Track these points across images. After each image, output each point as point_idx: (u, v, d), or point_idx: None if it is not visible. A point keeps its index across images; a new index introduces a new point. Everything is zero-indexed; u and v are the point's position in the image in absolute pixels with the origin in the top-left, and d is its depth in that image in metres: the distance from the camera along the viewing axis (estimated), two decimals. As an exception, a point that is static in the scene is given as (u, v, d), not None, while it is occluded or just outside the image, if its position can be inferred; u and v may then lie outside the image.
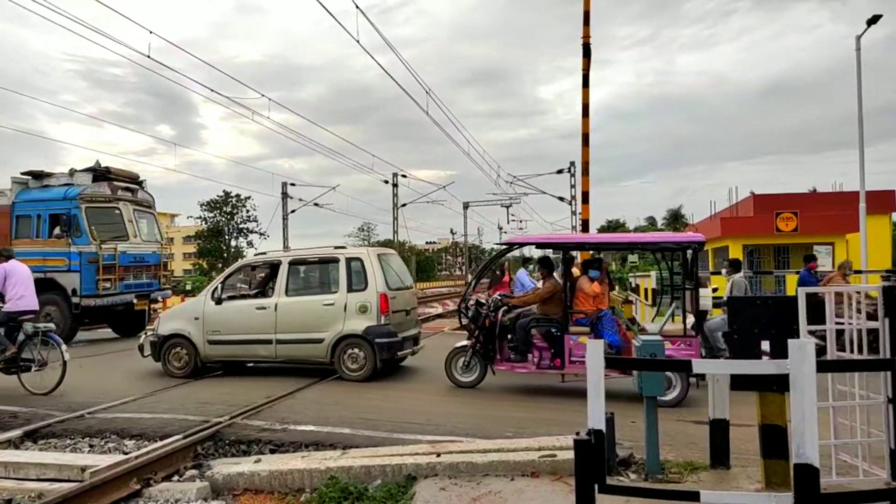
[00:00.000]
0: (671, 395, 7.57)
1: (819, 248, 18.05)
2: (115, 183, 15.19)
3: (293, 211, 37.80)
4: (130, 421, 7.10)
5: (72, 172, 14.86)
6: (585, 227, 17.61)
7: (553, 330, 8.32)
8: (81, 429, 6.93)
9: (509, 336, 8.62)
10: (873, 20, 16.79)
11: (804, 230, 20.71)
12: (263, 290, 11.00)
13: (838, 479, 4.34)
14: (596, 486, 3.17)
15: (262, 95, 19.37)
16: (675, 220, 62.26)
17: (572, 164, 36.51)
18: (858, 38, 17.41)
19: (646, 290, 15.23)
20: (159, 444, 6.12)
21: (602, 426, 3.23)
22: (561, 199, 39.35)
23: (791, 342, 3.08)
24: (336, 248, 10.18)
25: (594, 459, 3.17)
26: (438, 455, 5.35)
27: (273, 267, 10.36)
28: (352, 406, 7.68)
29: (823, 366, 3.67)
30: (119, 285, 14.60)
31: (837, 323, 4.69)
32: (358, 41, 13.92)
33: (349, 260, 9.68)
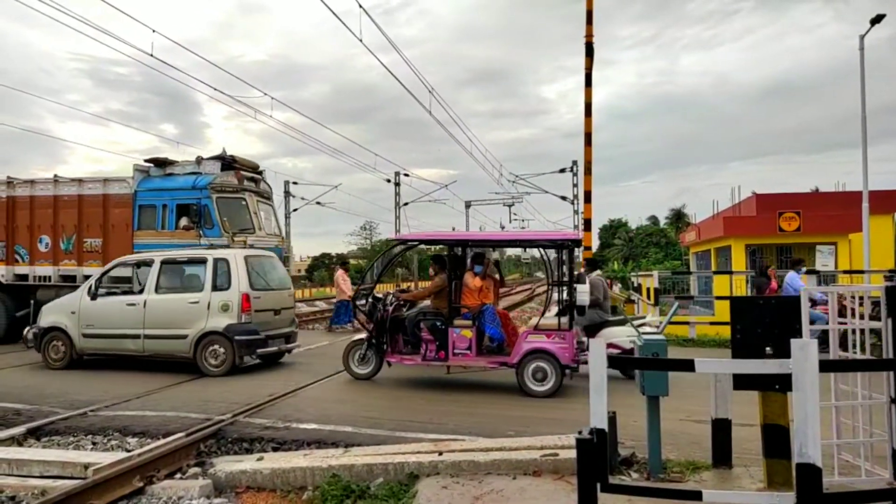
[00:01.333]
0: (546, 387, 8.19)
1: (822, 247, 17.97)
2: (242, 172, 14.28)
3: (295, 210, 37.85)
4: (133, 418, 7.12)
5: (199, 160, 14.00)
6: (588, 226, 17.62)
7: (438, 323, 8.72)
8: (84, 426, 6.95)
9: (404, 330, 9.11)
10: (877, 20, 16.73)
11: (807, 230, 20.67)
12: (135, 287, 11.21)
13: (840, 479, 4.34)
14: (598, 486, 3.18)
15: (265, 94, 19.39)
16: (678, 219, 62.14)
17: (574, 163, 36.49)
18: (862, 37, 17.35)
19: (648, 289, 15.23)
20: (162, 441, 6.13)
21: (604, 425, 3.24)
22: (563, 198, 39.30)
23: (793, 342, 3.08)
24: (210, 247, 11.24)
25: (596, 458, 3.18)
26: (441, 454, 5.36)
27: (147, 265, 10.81)
28: (354, 404, 7.69)
29: (826, 365, 3.66)
30: None
31: (840, 323, 4.69)
32: (361, 40, 13.95)
33: (216, 261, 10.27)
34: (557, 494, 4.59)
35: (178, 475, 5.57)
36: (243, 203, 14.10)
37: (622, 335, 9.30)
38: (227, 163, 14.08)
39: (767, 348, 4.44)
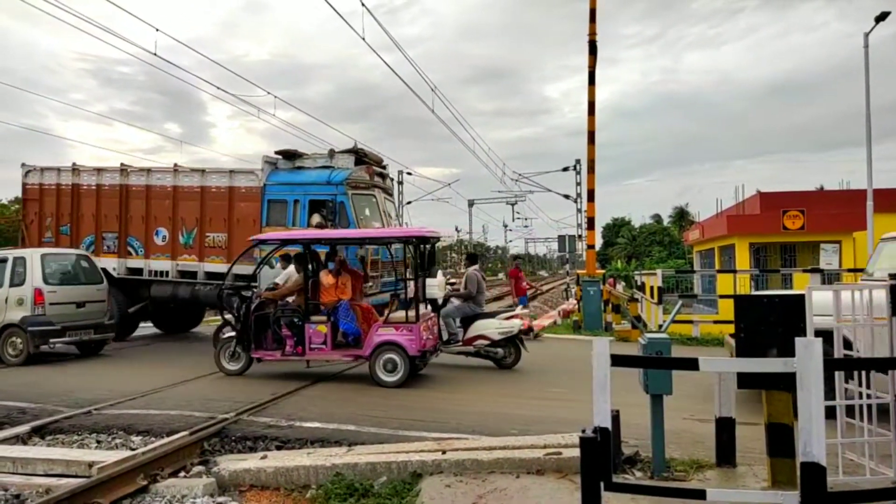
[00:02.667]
0: (396, 377, 8.72)
1: (826, 246, 17.95)
2: (372, 167, 13.55)
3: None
4: (137, 417, 7.14)
5: (332, 153, 13.13)
6: (591, 224, 17.60)
7: (295, 319, 9.24)
8: (89, 425, 6.96)
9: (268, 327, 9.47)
10: (882, 17, 16.68)
11: (811, 228, 20.62)
12: None
13: (845, 479, 4.33)
14: (601, 484, 3.17)
15: (269, 93, 19.37)
16: (681, 217, 62.06)
17: (578, 161, 36.40)
18: (867, 35, 17.31)
19: (651, 288, 15.20)
20: (166, 440, 6.15)
21: (608, 424, 3.23)
22: (566, 196, 39.21)
23: (798, 340, 3.08)
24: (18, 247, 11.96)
25: (600, 457, 3.17)
26: (444, 452, 5.36)
27: None
28: (358, 403, 7.69)
29: (831, 364, 3.65)
30: (378, 284, 12.86)
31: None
32: (363, 38, 13.94)
33: (15, 259, 11.32)
34: (561, 493, 4.58)
35: (182, 474, 5.59)
36: (374, 200, 13.37)
37: (491, 327, 10.14)
38: (359, 157, 13.28)
39: (773, 350, 4.44)
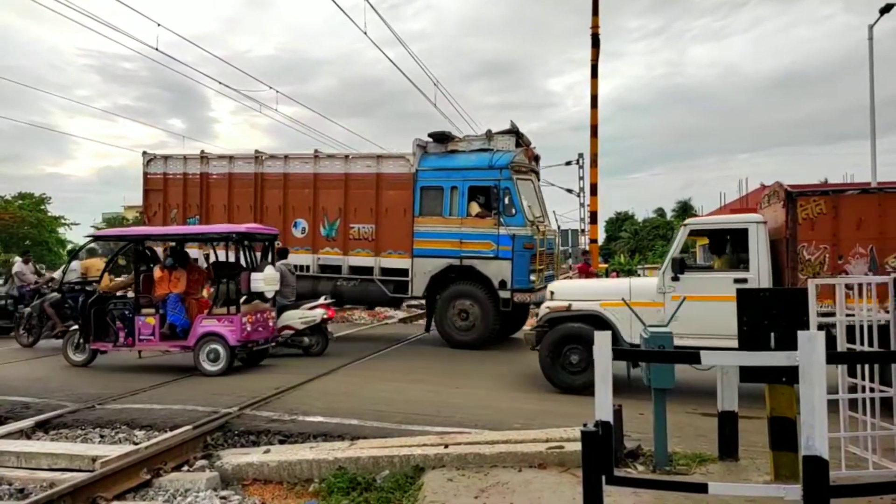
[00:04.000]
0: (219, 366, 9.24)
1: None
2: (531, 149, 12.48)
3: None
4: (141, 412, 7.16)
5: (490, 135, 12.00)
6: (594, 218, 17.59)
7: (126, 312, 9.71)
8: (92, 419, 6.99)
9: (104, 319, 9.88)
10: (886, 9, 16.60)
11: (815, 222, 20.51)
12: None
13: (848, 472, 4.33)
14: (603, 478, 3.17)
15: (271, 88, 19.35)
16: (685, 211, 61.81)
17: (580, 155, 36.27)
18: (871, 27, 17.23)
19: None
20: (169, 434, 6.16)
21: (609, 418, 3.22)
22: (569, 190, 39.09)
23: (801, 334, 3.06)
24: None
25: (601, 451, 3.16)
26: (446, 446, 5.36)
27: None
28: (360, 397, 7.70)
29: (833, 358, 3.64)
30: (542, 278, 11.94)
31: (848, 315, 4.66)
32: (365, 33, 13.93)
33: None
34: (563, 487, 4.59)
35: (186, 468, 5.60)
36: (532, 185, 12.23)
37: (295, 317, 10.72)
38: (517, 138, 12.14)
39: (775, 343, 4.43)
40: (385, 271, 11.71)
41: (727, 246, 8.16)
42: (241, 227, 10.04)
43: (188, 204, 13.38)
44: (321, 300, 11.18)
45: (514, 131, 12.01)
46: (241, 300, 9.45)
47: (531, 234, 11.33)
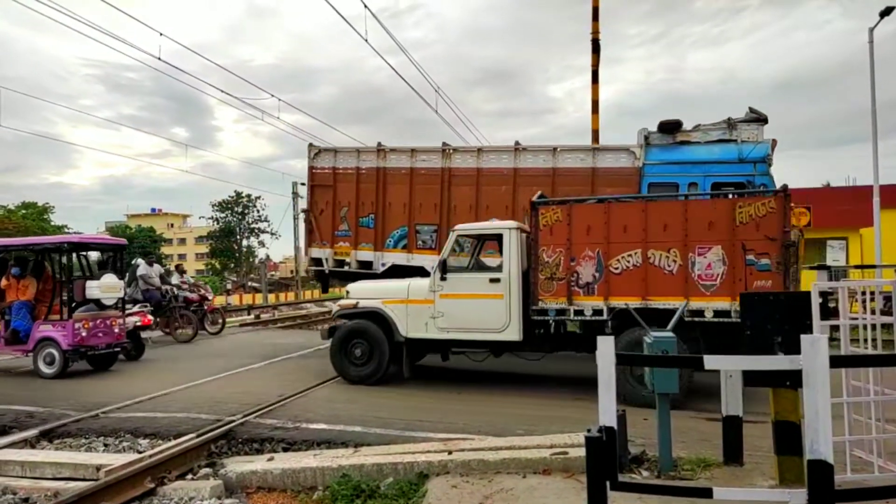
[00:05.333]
0: (54, 369, 9.88)
1: (833, 242, 17.87)
2: (774, 140, 10.91)
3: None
4: (144, 420, 7.16)
5: (731, 123, 10.48)
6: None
7: None
8: (96, 428, 6.99)
9: None
10: (886, 12, 16.60)
11: (817, 225, 20.40)
12: None
13: (853, 476, 4.31)
14: (608, 484, 3.16)
15: (273, 96, 19.43)
16: (687, 216, 61.78)
17: (582, 160, 36.26)
18: (871, 30, 17.23)
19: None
20: (173, 442, 6.16)
21: (613, 423, 3.22)
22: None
23: (804, 337, 3.06)
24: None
25: (605, 456, 3.16)
26: (450, 453, 5.36)
27: None
28: (364, 404, 7.69)
29: (837, 361, 3.64)
30: None
31: (851, 318, 4.66)
32: (366, 40, 13.98)
33: None
34: (567, 493, 4.58)
35: (190, 476, 5.60)
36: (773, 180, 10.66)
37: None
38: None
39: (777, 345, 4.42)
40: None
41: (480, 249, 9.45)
42: (75, 238, 11.14)
43: (361, 202, 11.89)
44: (136, 308, 12.12)
45: (761, 119, 10.54)
46: (74, 306, 10.13)
47: (794, 242, 9.82)
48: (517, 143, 11.26)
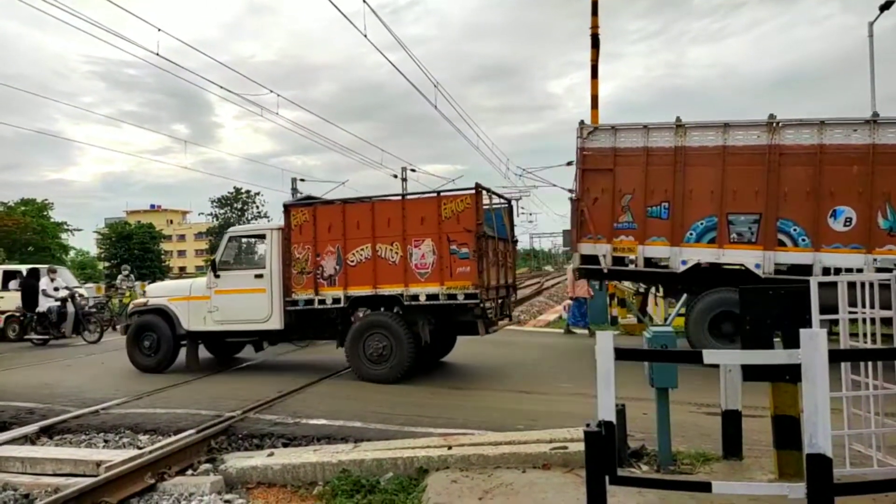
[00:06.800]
0: None
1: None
2: None
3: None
4: (144, 416, 7.17)
5: None
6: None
7: None
8: (96, 424, 7.00)
9: None
10: (886, 6, 16.58)
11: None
12: None
13: (852, 470, 4.31)
14: (607, 478, 3.16)
15: (272, 91, 19.33)
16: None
17: (583, 155, 36.19)
18: (871, 24, 17.21)
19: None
20: (173, 438, 6.17)
21: (612, 418, 3.22)
22: (571, 191, 39.08)
23: (803, 332, 3.06)
24: None
25: (605, 451, 3.16)
26: (450, 448, 5.36)
27: None
28: (364, 400, 7.70)
29: (836, 355, 3.64)
30: None
31: (850, 312, 4.65)
32: (365, 35, 13.90)
33: None
34: (567, 488, 4.58)
35: (190, 472, 5.61)
36: None
37: None
38: None
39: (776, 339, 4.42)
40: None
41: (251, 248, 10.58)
42: None
43: (650, 189, 10.10)
44: None
45: None
46: None
47: None
48: (875, 113, 9.61)
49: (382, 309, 9.07)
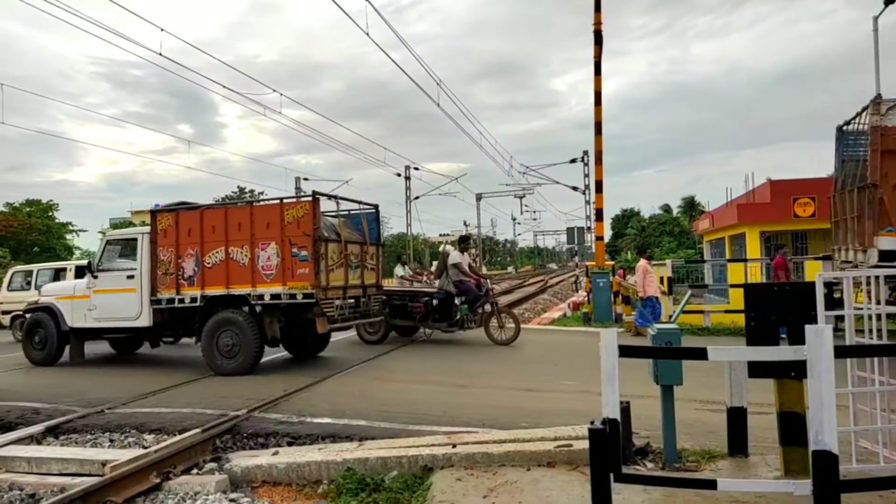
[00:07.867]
0: None
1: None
2: None
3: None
4: (149, 415, 7.18)
5: None
6: (599, 215, 17.54)
7: None
8: (102, 424, 7.02)
9: None
10: (891, 0, 16.46)
11: (822, 215, 20.37)
12: None
13: (858, 466, 4.29)
14: (612, 476, 3.16)
15: (275, 91, 19.37)
16: (691, 207, 61.64)
17: (585, 153, 36.25)
18: (876, 18, 17.09)
19: (661, 278, 15.13)
20: (178, 437, 6.17)
21: (617, 415, 3.22)
22: (574, 188, 39.07)
23: (808, 328, 3.05)
24: None
25: (609, 448, 3.16)
26: (454, 446, 5.36)
27: None
28: (368, 398, 7.70)
29: (842, 351, 3.62)
30: None
31: (856, 308, 4.63)
32: (367, 34, 13.91)
33: None
34: (572, 485, 4.57)
35: (195, 471, 5.62)
36: None
37: None
38: None
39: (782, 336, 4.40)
40: None
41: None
42: None
43: None
44: None
45: None
46: None
47: None
48: None
49: (233, 308, 9.74)
